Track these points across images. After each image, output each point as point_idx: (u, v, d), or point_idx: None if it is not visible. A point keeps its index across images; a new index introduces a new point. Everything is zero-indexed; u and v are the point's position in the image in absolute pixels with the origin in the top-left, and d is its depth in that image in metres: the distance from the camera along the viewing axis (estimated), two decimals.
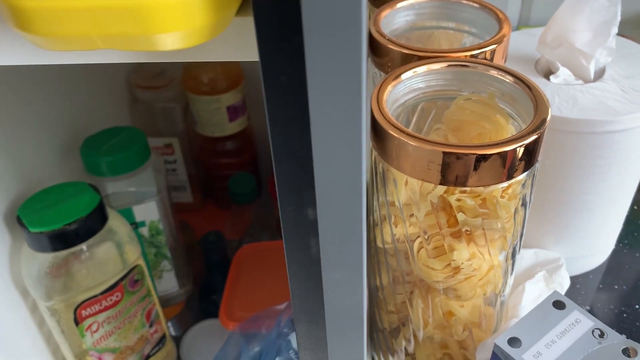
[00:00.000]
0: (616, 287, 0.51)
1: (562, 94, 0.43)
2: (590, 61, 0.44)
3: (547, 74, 0.46)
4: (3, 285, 0.40)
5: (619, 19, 0.41)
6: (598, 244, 0.51)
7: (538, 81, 0.45)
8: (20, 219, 0.38)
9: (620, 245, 0.54)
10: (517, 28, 0.64)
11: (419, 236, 0.34)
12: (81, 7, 0.15)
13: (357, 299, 0.21)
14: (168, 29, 0.16)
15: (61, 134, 0.48)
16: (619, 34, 0.46)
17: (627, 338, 0.46)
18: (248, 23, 0.18)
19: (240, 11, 0.18)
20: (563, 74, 0.45)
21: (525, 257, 0.49)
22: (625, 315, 0.48)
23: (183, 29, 0.16)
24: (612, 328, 0.47)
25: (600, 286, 0.51)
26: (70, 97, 0.50)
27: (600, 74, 0.46)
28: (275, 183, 0.20)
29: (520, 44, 0.50)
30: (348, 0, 0.15)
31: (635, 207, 0.58)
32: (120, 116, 0.61)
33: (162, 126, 0.63)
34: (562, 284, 0.46)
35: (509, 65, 0.47)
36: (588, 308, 0.49)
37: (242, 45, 0.18)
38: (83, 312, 0.41)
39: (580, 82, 0.45)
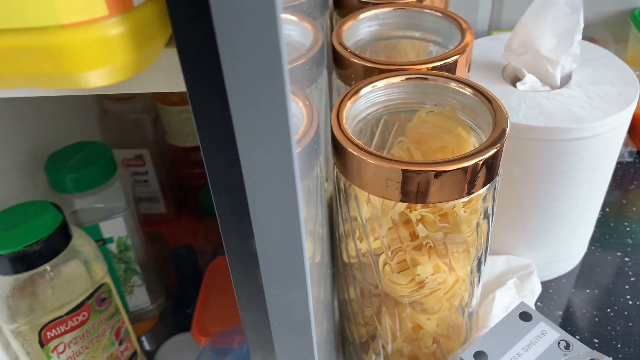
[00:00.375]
0: (588, 290, 0.51)
1: (528, 101, 0.43)
2: (555, 67, 0.44)
3: (514, 80, 0.46)
4: None
5: (582, 25, 0.41)
6: (570, 248, 0.51)
7: (505, 88, 0.45)
8: None
9: (593, 247, 0.55)
10: (488, 32, 0.64)
11: (382, 251, 0.34)
12: None
13: (305, 329, 0.21)
14: (88, 67, 0.15)
15: (25, 150, 0.47)
16: (588, 37, 0.46)
17: (599, 343, 0.46)
18: (165, 54, 0.18)
19: (171, 42, 0.18)
20: (530, 80, 0.45)
21: (497, 264, 0.49)
22: (597, 319, 0.48)
23: (104, 67, 0.15)
24: (585, 333, 0.47)
25: (573, 290, 0.51)
26: (35, 111, 0.49)
27: (566, 79, 0.46)
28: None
29: (488, 49, 0.50)
30: (263, 28, 0.15)
31: (607, 209, 0.59)
32: (89, 129, 0.60)
33: (132, 137, 0.62)
34: (534, 291, 0.46)
35: (476, 72, 0.47)
36: (560, 313, 0.49)
37: (172, 76, 0.18)
38: (48, 333, 0.41)
39: (547, 88, 0.45)
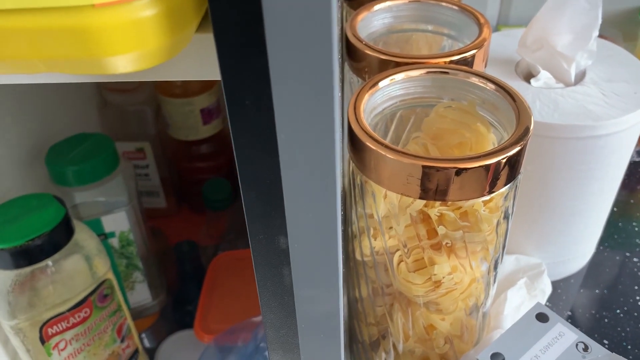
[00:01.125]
0: (597, 291, 0.50)
1: (543, 98, 0.43)
2: (571, 64, 0.43)
3: (528, 76, 0.46)
4: None
5: (599, 22, 0.40)
6: (579, 248, 0.50)
7: (519, 84, 0.44)
8: None
9: (601, 247, 0.54)
10: (497, 28, 0.63)
11: (398, 249, 0.33)
12: (17, 28, 0.13)
13: (334, 329, 0.20)
14: (118, 51, 0.14)
15: (25, 142, 0.46)
16: (599, 34, 0.45)
17: (609, 344, 0.46)
18: (210, 40, 0.17)
19: (202, 27, 0.17)
20: (544, 77, 0.44)
21: (507, 263, 0.48)
22: (606, 320, 0.48)
23: (135, 51, 0.14)
24: (594, 334, 0.47)
25: (582, 290, 0.51)
26: (35, 102, 0.47)
27: (581, 76, 0.45)
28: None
29: (500, 45, 0.49)
30: (317, 13, 0.14)
31: (616, 209, 0.58)
32: (89, 120, 0.59)
33: (133, 130, 0.61)
34: (544, 291, 0.45)
35: (489, 68, 0.46)
36: (569, 313, 0.49)
37: (204, 63, 0.17)
38: (49, 330, 0.39)
39: (561, 85, 0.44)
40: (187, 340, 0.52)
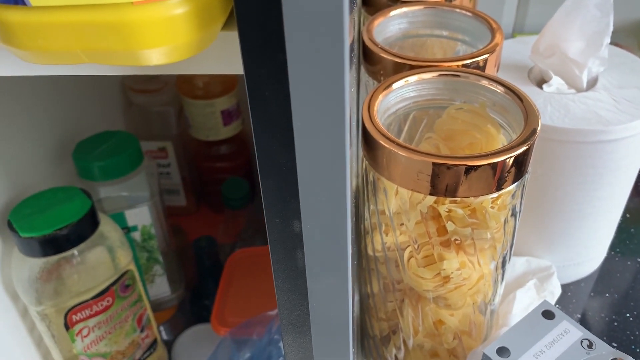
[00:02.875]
0: (607, 295, 0.51)
1: (554, 103, 0.43)
2: (582, 70, 0.44)
3: (540, 82, 0.47)
4: None
5: (611, 29, 0.41)
6: (590, 252, 0.51)
7: (531, 90, 0.45)
8: (11, 223, 0.38)
9: (612, 253, 0.55)
10: (512, 35, 0.64)
11: (409, 245, 0.34)
12: (65, 22, 0.15)
13: (342, 311, 0.21)
14: (152, 44, 0.16)
15: (54, 139, 0.48)
16: (613, 42, 0.46)
17: (618, 347, 0.46)
18: (234, 37, 0.18)
19: (227, 25, 0.18)
20: (556, 83, 0.45)
21: (517, 265, 0.49)
22: (616, 323, 0.48)
23: (167, 45, 0.16)
24: (603, 337, 0.47)
25: (592, 294, 0.51)
26: (64, 101, 0.50)
27: (592, 83, 0.46)
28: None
29: (514, 52, 0.50)
30: (331, 16, 0.15)
31: (628, 215, 0.59)
32: (114, 120, 0.61)
33: (156, 130, 0.63)
34: (553, 292, 0.46)
35: (502, 74, 0.48)
36: (579, 316, 0.49)
37: (228, 59, 0.18)
38: (73, 317, 0.41)
39: (573, 91, 0.45)
40: (204, 333, 0.53)
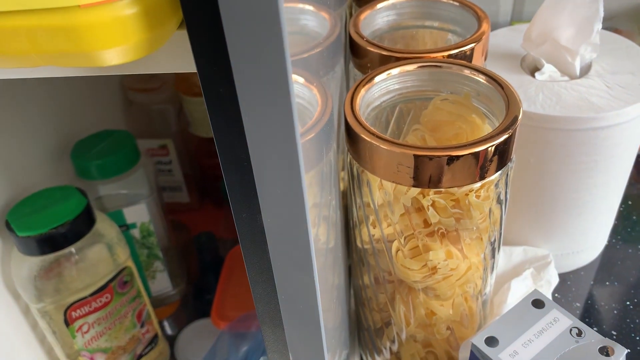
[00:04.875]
0: (607, 283, 0.50)
1: (546, 91, 0.43)
2: (575, 57, 0.44)
3: (534, 70, 0.46)
4: None
5: (601, 14, 0.41)
6: (589, 240, 0.50)
7: (523, 78, 0.45)
8: (8, 223, 0.39)
9: (614, 241, 0.54)
10: (510, 23, 0.64)
11: (395, 237, 0.34)
12: (16, 26, 0.16)
13: (311, 303, 0.21)
14: (104, 46, 0.16)
15: (53, 139, 0.49)
16: (613, 28, 0.45)
17: (617, 336, 0.46)
18: (178, 35, 0.19)
19: (183, 25, 0.19)
20: (548, 70, 0.45)
21: (514, 254, 0.49)
22: (615, 312, 0.48)
23: (119, 45, 0.16)
24: (603, 325, 0.47)
25: (592, 283, 0.51)
26: (64, 101, 0.51)
27: (586, 69, 0.45)
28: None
29: (508, 40, 0.50)
30: (265, 11, 0.15)
31: (630, 202, 0.58)
32: (114, 119, 0.62)
33: (156, 128, 0.64)
34: (550, 281, 0.46)
35: (495, 62, 0.47)
36: (578, 305, 0.49)
37: (185, 57, 0.19)
38: (73, 313, 0.42)
39: (566, 78, 0.45)
40: (205, 327, 0.54)
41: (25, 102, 0.45)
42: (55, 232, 0.39)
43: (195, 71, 0.18)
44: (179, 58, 0.19)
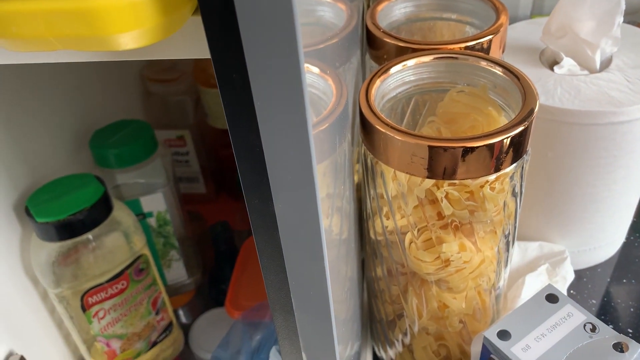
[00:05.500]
0: (625, 281, 0.50)
1: (565, 85, 0.43)
2: (595, 51, 0.43)
3: (553, 64, 0.46)
4: (14, 274, 0.42)
5: (623, 7, 0.40)
6: (607, 237, 0.50)
7: (541, 72, 0.44)
8: (28, 209, 0.40)
9: (632, 238, 0.53)
10: (531, 17, 0.63)
11: (409, 229, 0.34)
12: (34, 10, 0.16)
13: (322, 291, 0.22)
14: (119, 30, 0.16)
15: (73, 128, 0.50)
16: (635, 22, 0.45)
17: (633, 334, 0.45)
18: (192, 21, 0.19)
19: (198, 11, 0.19)
20: (567, 64, 0.44)
21: (529, 249, 0.48)
22: (632, 310, 0.47)
23: (134, 30, 0.16)
24: (619, 323, 0.46)
25: (609, 280, 0.50)
26: (84, 91, 0.51)
27: (607, 63, 0.45)
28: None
29: (528, 33, 0.49)
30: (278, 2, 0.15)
31: None
32: (133, 109, 0.63)
33: (174, 118, 0.64)
34: (566, 277, 0.46)
35: (514, 55, 0.47)
36: (594, 302, 0.48)
37: (199, 43, 0.19)
38: (89, 299, 0.43)
39: (586, 72, 0.44)
40: (219, 317, 0.54)
41: (48, 92, 0.46)
42: (73, 219, 0.40)
43: (209, 57, 0.18)
44: (193, 44, 0.19)
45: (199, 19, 0.18)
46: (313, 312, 0.22)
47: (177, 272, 0.55)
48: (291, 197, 0.19)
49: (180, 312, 0.57)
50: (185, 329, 0.54)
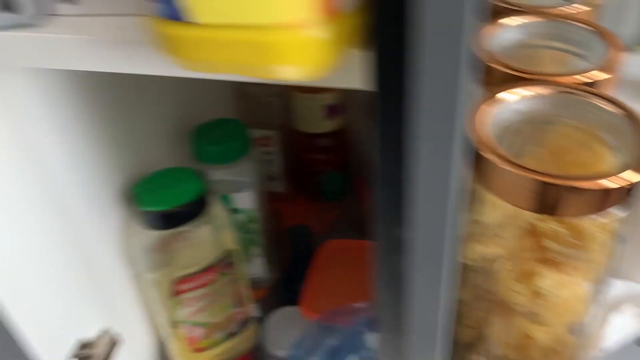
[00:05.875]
0: None
1: None
2: None
3: None
4: (112, 256, 0.45)
5: None
6: None
7: None
8: (134, 196, 0.43)
9: None
10: (633, 47, 0.61)
11: (504, 257, 0.35)
12: (226, 39, 0.17)
13: (434, 317, 0.22)
14: (288, 62, 0.18)
15: (174, 123, 0.52)
16: None
17: None
18: (354, 55, 0.20)
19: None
20: None
21: (617, 288, 0.47)
22: None
23: (301, 65, 0.18)
24: None
25: None
26: (184, 89, 0.54)
27: None
28: (372, 198, 0.21)
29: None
30: (452, 46, 0.16)
31: None
32: (226, 107, 0.65)
33: (263, 118, 0.67)
34: None
35: (622, 90, 0.46)
36: None
37: (352, 74, 0.20)
38: (180, 287, 0.45)
39: None
40: (292, 315, 0.56)
41: (155, 91, 0.49)
42: (177, 210, 0.42)
43: (359, 88, 0.19)
44: (347, 75, 0.20)
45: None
46: (422, 335, 0.23)
47: (257, 267, 0.57)
48: (429, 229, 0.20)
49: (255, 306, 0.59)
50: (258, 322, 0.56)
